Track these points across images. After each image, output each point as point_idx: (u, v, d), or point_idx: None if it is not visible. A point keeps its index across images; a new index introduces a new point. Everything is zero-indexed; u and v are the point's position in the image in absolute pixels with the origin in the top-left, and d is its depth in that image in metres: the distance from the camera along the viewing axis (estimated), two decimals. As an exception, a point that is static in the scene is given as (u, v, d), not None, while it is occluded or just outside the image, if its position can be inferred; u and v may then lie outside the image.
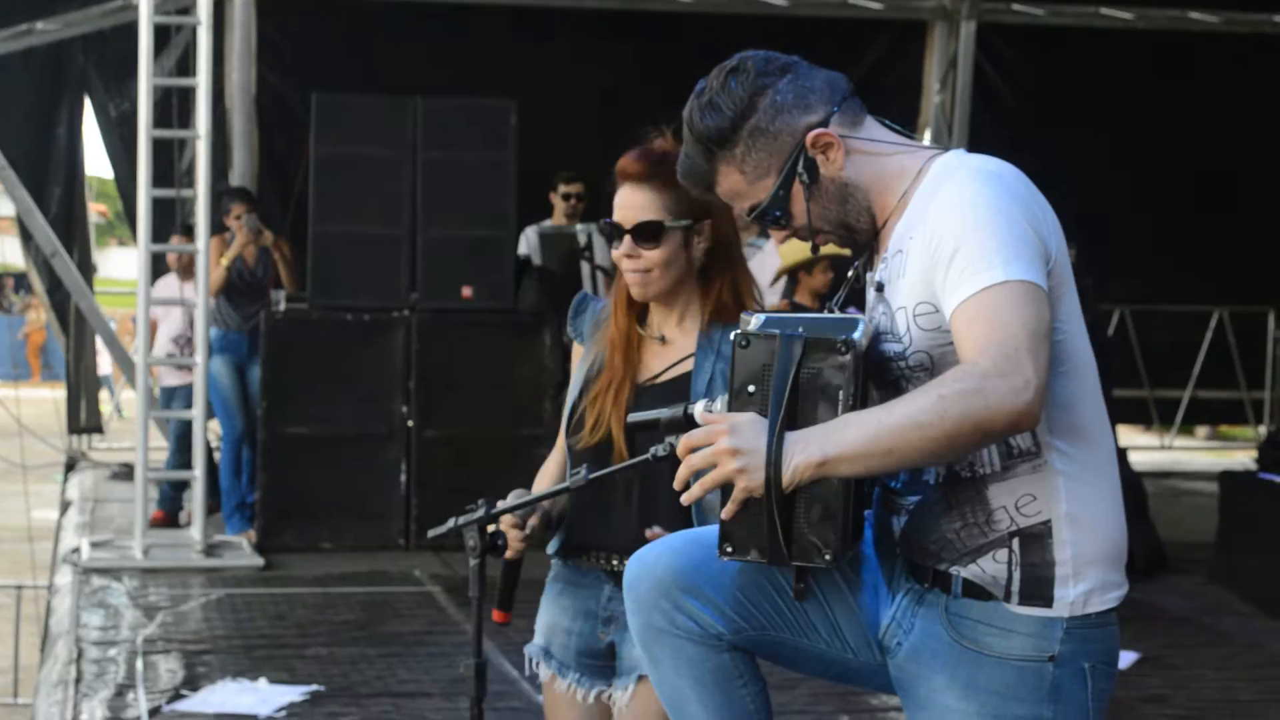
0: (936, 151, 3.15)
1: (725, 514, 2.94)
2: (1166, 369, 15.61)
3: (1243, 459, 14.99)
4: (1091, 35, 14.55)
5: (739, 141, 3.11)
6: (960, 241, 2.92)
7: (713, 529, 3.21)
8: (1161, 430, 16.35)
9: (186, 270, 11.08)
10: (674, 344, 3.87)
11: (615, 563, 3.81)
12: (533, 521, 3.79)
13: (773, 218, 3.17)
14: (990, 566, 3.03)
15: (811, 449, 2.84)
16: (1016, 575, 3.02)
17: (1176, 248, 14.69)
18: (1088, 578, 3.03)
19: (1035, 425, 2.88)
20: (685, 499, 2.96)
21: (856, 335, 2.95)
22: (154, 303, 10.43)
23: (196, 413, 10.29)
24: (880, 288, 3.12)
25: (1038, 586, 3.02)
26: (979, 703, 3.05)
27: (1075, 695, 3.05)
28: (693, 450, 2.92)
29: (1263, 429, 15.66)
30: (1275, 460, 9.69)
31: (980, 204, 2.94)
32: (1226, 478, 10.27)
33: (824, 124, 3.10)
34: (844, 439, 2.84)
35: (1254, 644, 8.45)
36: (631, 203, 3.79)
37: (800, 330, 2.96)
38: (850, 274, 3.35)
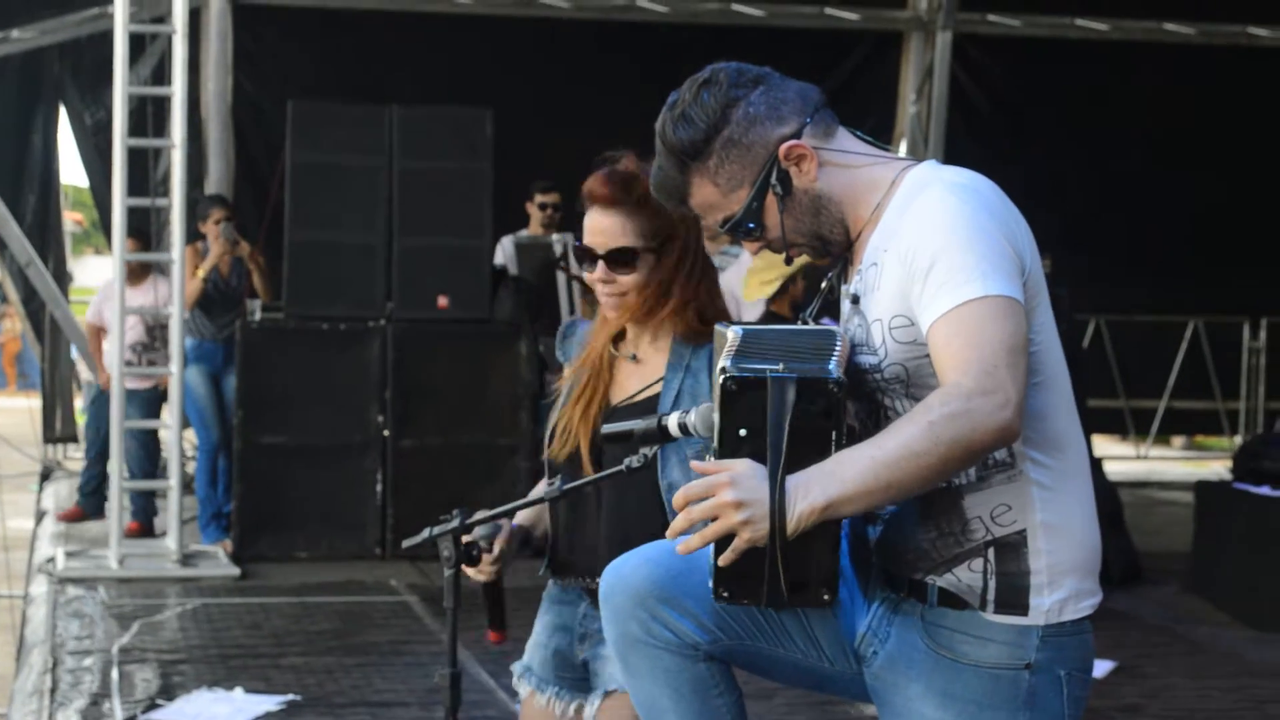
0: (909, 163, 3.16)
1: (724, 561, 2.88)
2: (1142, 379, 15.65)
3: (1218, 469, 15.03)
4: (1067, 46, 14.60)
5: (712, 153, 3.11)
6: (936, 256, 2.92)
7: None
8: (1137, 440, 16.39)
9: (136, 276, 11.02)
10: (646, 363, 3.86)
11: (588, 580, 3.79)
12: (500, 545, 3.76)
13: (746, 230, 3.17)
14: (966, 576, 3.03)
15: (814, 495, 2.82)
16: (992, 584, 3.03)
17: (1151, 258, 14.74)
18: (1063, 586, 3.04)
19: (1016, 440, 2.90)
20: (682, 549, 2.89)
21: (835, 370, 2.90)
22: (129, 311, 10.38)
23: (171, 422, 10.27)
24: (856, 300, 3.12)
25: (1013, 595, 3.03)
26: (955, 711, 3.06)
27: (1051, 703, 3.06)
28: (691, 501, 2.87)
29: (1238, 439, 15.69)
30: (1250, 470, 9.71)
31: (955, 218, 2.95)
32: (1202, 488, 10.29)
33: (797, 135, 3.10)
34: (845, 480, 2.82)
35: (1229, 653, 8.47)
36: (603, 227, 3.77)
37: (788, 371, 2.89)
38: (824, 285, 3.35)
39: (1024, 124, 14.23)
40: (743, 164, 3.11)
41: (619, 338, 3.91)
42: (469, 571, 3.73)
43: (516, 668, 4.04)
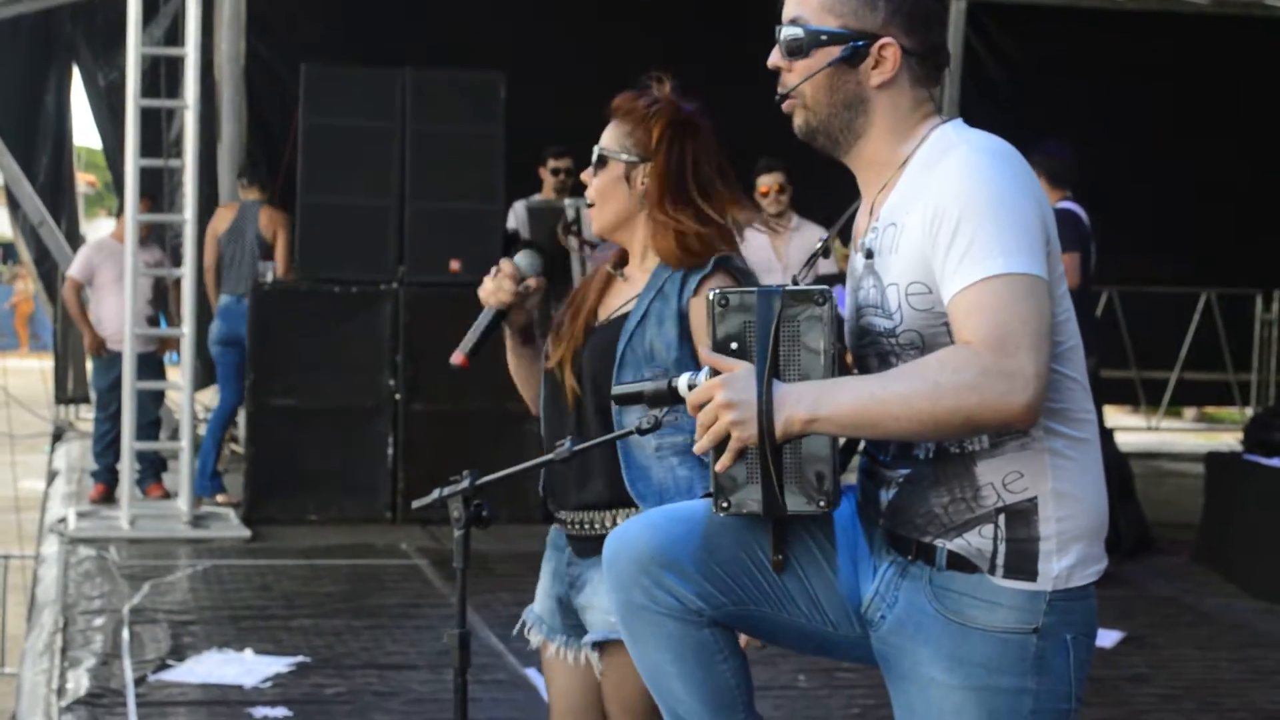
0: (938, 120, 3.14)
1: (720, 465, 2.98)
2: (1154, 350, 15.64)
3: (1229, 441, 15.02)
4: (1081, 15, 14.55)
5: None
6: (960, 225, 2.91)
7: (691, 504, 3.24)
8: (1149, 412, 16.39)
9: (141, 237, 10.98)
10: (631, 282, 3.93)
11: (558, 510, 3.96)
12: (534, 285, 3.94)
13: (791, 44, 3.13)
14: (976, 540, 3.03)
15: (804, 404, 2.90)
16: (1002, 549, 3.03)
17: (1165, 229, 14.70)
18: (1072, 552, 3.04)
19: (1034, 423, 2.91)
20: (696, 449, 3.00)
21: (823, 288, 3.01)
22: (142, 273, 10.39)
23: (184, 384, 10.27)
24: (870, 255, 3.11)
25: (1022, 561, 3.03)
26: (964, 675, 3.06)
27: (1058, 666, 3.06)
28: (699, 407, 2.97)
29: (1249, 411, 15.68)
30: (1261, 442, 9.70)
31: (983, 186, 2.93)
32: (1212, 459, 10.29)
33: (906, 51, 3.09)
34: (836, 402, 2.89)
35: (1237, 624, 8.47)
36: (604, 135, 3.90)
37: (776, 290, 3.01)
38: (819, 245, 3.34)
39: (1038, 94, 14.18)
40: (858, 9, 3.09)
41: (624, 261, 3.99)
42: (486, 287, 3.95)
43: (529, 616, 4.09)
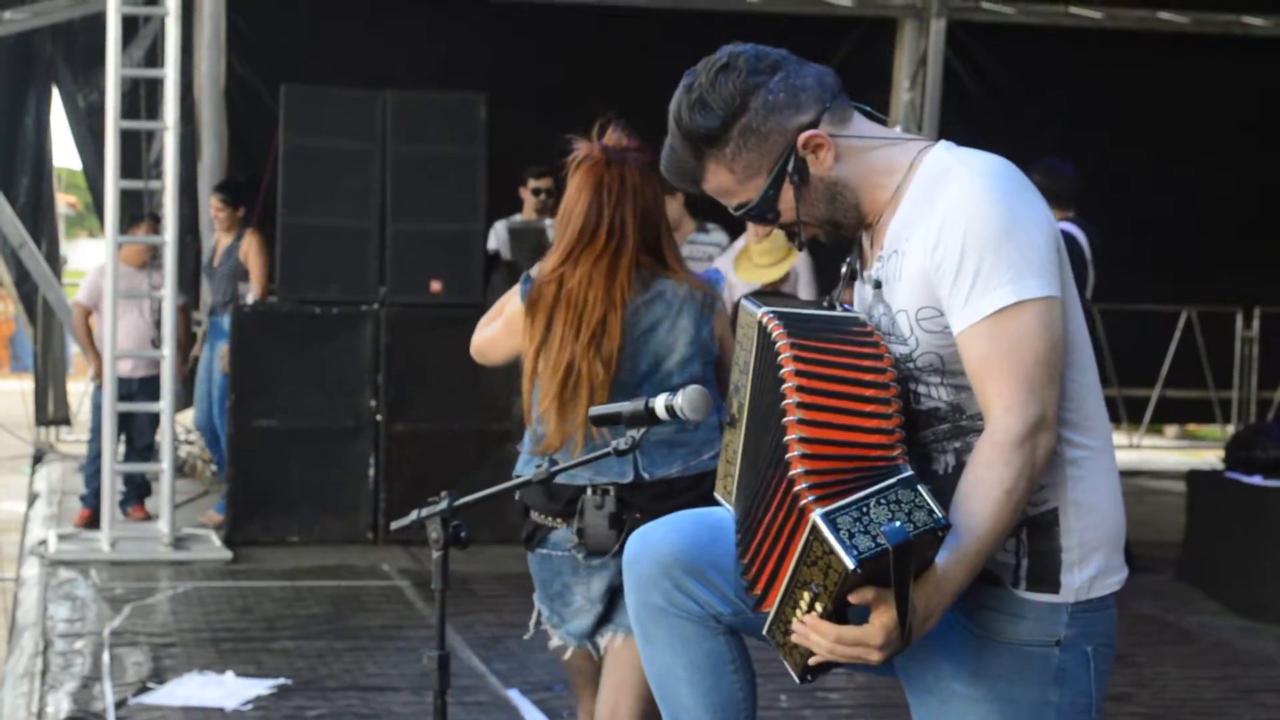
0: (925, 144, 3.13)
1: (814, 661, 2.92)
2: (1135, 368, 15.65)
3: (1211, 458, 15.04)
4: (1061, 34, 14.59)
5: (729, 141, 3.08)
6: (965, 253, 2.91)
7: (716, 510, 3.21)
8: (1130, 429, 16.40)
9: (141, 259, 10.95)
10: None
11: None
12: None
13: (760, 217, 3.16)
14: (999, 553, 3.03)
15: (932, 619, 2.87)
16: (1025, 562, 3.04)
17: (1146, 247, 14.72)
18: (1093, 563, 3.06)
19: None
20: (812, 662, 2.91)
21: (940, 514, 2.83)
22: (142, 295, 10.38)
23: (165, 405, 10.25)
24: (878, 285, 3.11)
25: (1045, 573, 3.04)
26: (986, 687, 3.07)
27: (1079, 677, 3.08)
28: (843, 643, 2.86)
29: (1230, 428, 15.70)
30: (1242, 460, 9.71)
31: (985, 211, 2.93)
32: (1194, 477, 10.30)
33: (815, 124, 3.08)
34: (957, 578, 2.88)
35: (1219, 643, 8.48)
36: None
37: (900, 526, 2.79)
38: (844, 270, 3.33)
39: (1018, 112, 14.21)
40: (760, 152, 3.08)
41: None
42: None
43: (568, 639, 4.53)
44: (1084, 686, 3.09)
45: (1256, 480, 9.31)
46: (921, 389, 3.05)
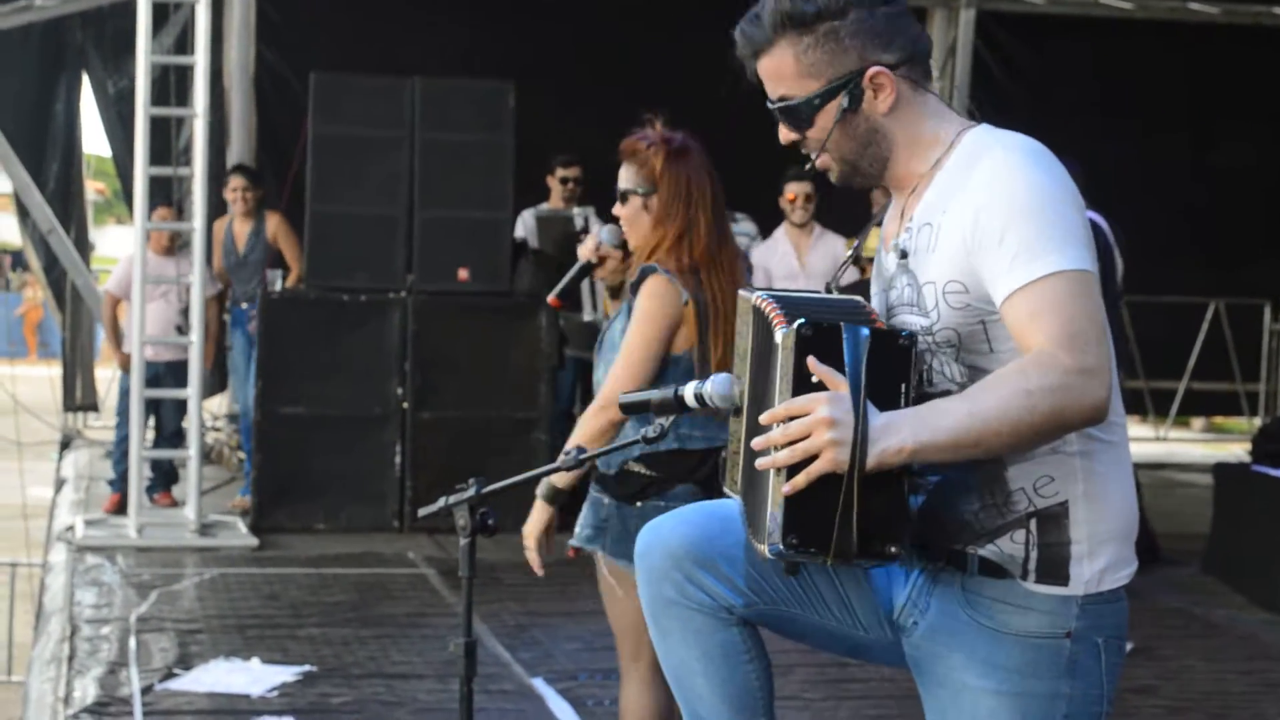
0: (967, 124, 3.14)
1: (790, 486, 2.86)
2: (1162, 360, 15.61)
3: (1237, 451, 15.00)
4: (1090, 24, 14.55)
5: (812, 33, 3.07)
6: (1009, 225, 2.90)
7: (726, 502, 3.21)
8: (1157, 422, 16.36)
9: (167, 247, 10.95)
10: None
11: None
12: (605, 251, 4.91)
13: (793, 119, 3.14)
14: (1008, 546, 3.03)
15: (904, 434, 2.82)
16: (1034, 555, 3.03)
17: (1174, 239, 14.68)
18: (1102, 556, 3.05)
19: (1105, 418, 2.90)
20: (781, 459, 2.86)
21: (912, 327, 2.92)
22: (150, 280, 10.38)
23: (192, 392, 10.27)
24: (904, 255, 3.10)
25: (1054, 565, 3.03)
26: (998, 680, 3.06)
27: (1091, 669, 3.08)
28: (793, 415, 2.85)
29: (1257, 421, 15.66)
30: (1268, 453, 9.69)
31: (1028, 184, 2.93)
32: (1220, 470, 10.27)
33: (892, 68, 3.08)
34: (938, 427, 2.83)
35: (1246, 636, 8.46)
36: (620, 174, 4.70)
37: (861, 324, 2.89)
38: (849, 253, 3.35)
39: (1047, 102, 14.17)
40: (830, 60, 3.08)
41: None
42: (585, 242, 4.95)
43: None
44: (1096, 678, 3.08)
45: (1283, 473, 9.28)
46: (936, 364, 3.04)
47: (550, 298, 5.03)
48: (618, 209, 4.71)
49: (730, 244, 4.69)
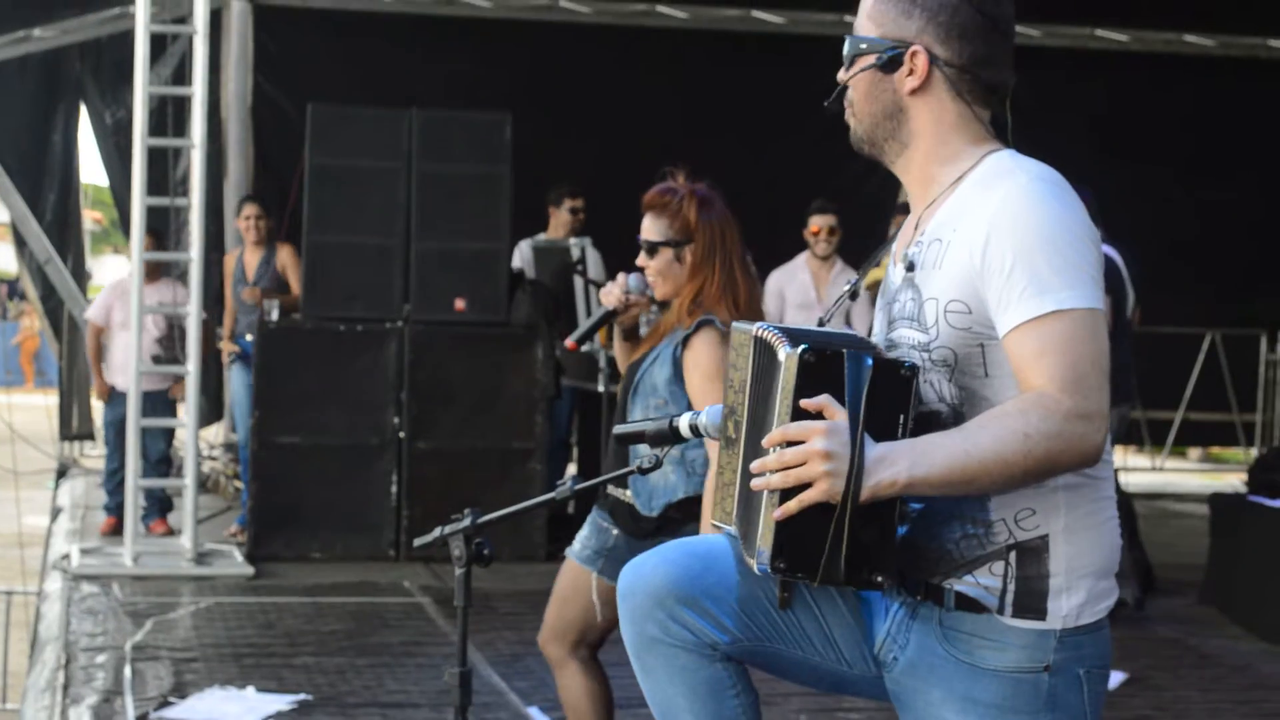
0: (996, 146, 3.15)
1: (782, 513, 2.88)
2: (1159, 390, 15.60)
3: (1234, 481, 15.00)
4: (1087, 56, 14.58)
5: None
6: (1021, 254, 2.91)
7: (707, 539, 3.23)
8: (1153, 451, 16.36)
9: (150, 275, 10.92)
10: (648, 339, 4.99)
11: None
12: (632, 298, 4.94)
13: (845, 52, 3.19)
14: (985, 579, 3.03)
15: (899, 467, 2.85)
16: (1011, 588, 3.03)
17: (1170, 270, 14.67)
18: (1080, 590, 3.04)
19: (1099, 461, 2.92)
20: (772, 483, 2.88)
21: (911, 360, 2.94)
22: (147, 310, 10.39)
23: (189, 420, 10.28)
24: (911, 267, 3.11)
25: (1031, 599, 3.03)
26: (977, 715, 3.06)
27: (1072, 702, 3.07)
28: (789, 443, 2.87)
29: (1254, 451, 15.66)
30: (1265, 483, 9.69)
31: (1044, 217, 2.93)
32: (1217, 500, 10.27)
33: (943, 62, 3.12)
34: (933, 462, 2.85)
35: (1242, 666, 8.45)
36: (645, 226, 4.91)
37: (864, 353, 2.91)
38: (847, 288, 3.36)
39: (1043, 134, 14.15)
40: (895, 18, 3.13)
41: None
42: (611, 290, 4.92)
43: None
44: (1078, 710, 3.07)
45: (1279, 504, 9.28)
46: (929, 382, 3.05)
47: (569, 342, 5.11)
48: (643, 260, 4.86)
49: (758, 287, 4.98)
